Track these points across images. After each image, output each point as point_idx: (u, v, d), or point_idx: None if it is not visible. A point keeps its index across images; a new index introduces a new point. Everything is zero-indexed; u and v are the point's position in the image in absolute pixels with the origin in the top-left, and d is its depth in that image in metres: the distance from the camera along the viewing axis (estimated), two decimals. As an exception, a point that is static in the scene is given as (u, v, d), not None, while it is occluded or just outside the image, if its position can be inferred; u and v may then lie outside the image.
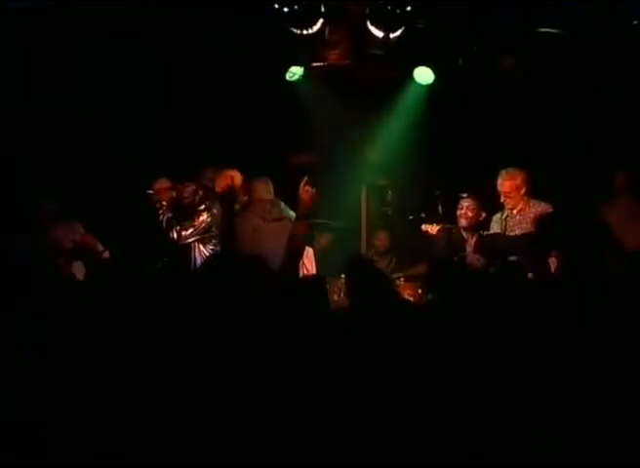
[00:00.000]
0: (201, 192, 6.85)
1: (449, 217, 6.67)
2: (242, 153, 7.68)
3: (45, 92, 7.13)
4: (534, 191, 6.40)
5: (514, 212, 6.35)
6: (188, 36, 7.14)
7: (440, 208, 6.80)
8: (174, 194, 6.85)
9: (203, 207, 6.79)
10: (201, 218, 6.77)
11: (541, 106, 7.51)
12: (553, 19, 6.91)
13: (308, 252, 7.44)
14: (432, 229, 6.51)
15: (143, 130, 7.50)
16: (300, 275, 7.16)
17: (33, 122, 7.24)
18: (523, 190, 6.31)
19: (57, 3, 6.58)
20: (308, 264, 7.27)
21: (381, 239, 8.00)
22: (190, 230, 6.74)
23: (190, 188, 6.83)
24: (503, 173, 6.32)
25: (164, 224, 6.73)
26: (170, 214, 6.76)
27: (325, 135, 8.08)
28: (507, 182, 6.29)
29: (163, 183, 6.88)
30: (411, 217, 6.91)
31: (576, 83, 7.27)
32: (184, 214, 6.81)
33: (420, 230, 6.69)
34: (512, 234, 6.27)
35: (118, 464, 2.95)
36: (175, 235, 6.70)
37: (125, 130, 7.46)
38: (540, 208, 6.24)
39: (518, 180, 6.29)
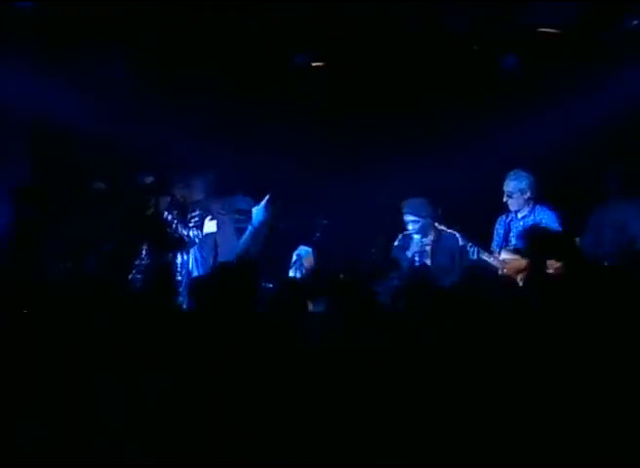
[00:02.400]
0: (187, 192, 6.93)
1: (449, 218, 6.66)
2: (242, 153, 7.69)
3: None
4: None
5: (519, 216, 6.34)
6: (188, 35, 7.14)
7: (440, 208, 6.79)
8: (169, 199, 6.89)
9: (195, 211, 6.87)
10: (196, 219, 6.84)
11: (541, 106, 7.50)
12: (553, 19, 6.90)
13: (308, 252, 7.43)
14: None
15: (141, 128, 7.49)
16: (299, 274, 7.20)
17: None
18: (528, 194, 6.26)
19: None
20: (307, 264, 7.27)
21: (382, 238, 7.98)
22: (194, 231, 6.81)
23: (183, 192, 6.90)
24: (511, 173, 6.30)
25: (175, 226, 6.76)
26: (177, 216, 6.81)
27: (324, 134, 8.06)
28: (512, 182, 6.27)
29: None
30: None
31: (575, 83, 7.26)
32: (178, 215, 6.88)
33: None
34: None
35: (117, 464, 2.95)
36: (191, 234, 6.78)
37: (122, 127, 7.46)
38: (544, 217, 6.22)
39: (523, 183, 6.25)
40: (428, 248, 6.66)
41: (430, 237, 6.66)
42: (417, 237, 6.66)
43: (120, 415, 3.06)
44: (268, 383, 3.14)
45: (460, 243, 6.42)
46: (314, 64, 7.77)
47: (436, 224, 6.59)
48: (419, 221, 6.58)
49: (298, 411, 3.04)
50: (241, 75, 7.63)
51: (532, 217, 6.29)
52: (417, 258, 6.63)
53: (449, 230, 6.49)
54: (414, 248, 6.66)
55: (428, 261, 6.62)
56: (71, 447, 2.97)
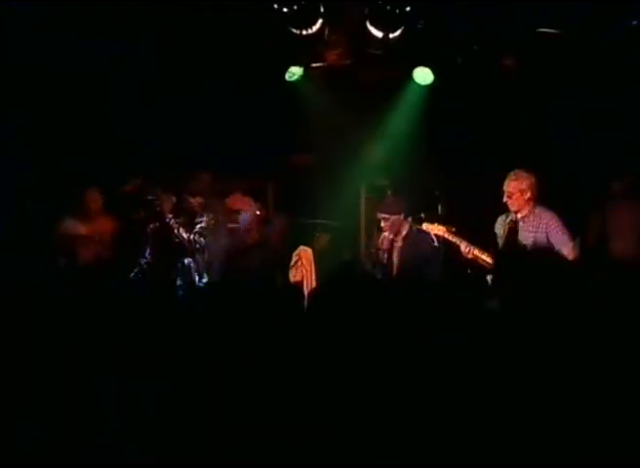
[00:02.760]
0: (203, 201, 6.92)
1: (449, 218, 6.67)
2: (241, 154, 7.70)
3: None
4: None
5: (518, 216, 6.33)
6: (188, 36, 7.14)
7: (440, 208, 6.80)
8: (174, 200, 6.88)
9: (204, 216, 6.85)
10: (203, 225, 6.82)
11: (541, 106, 7.51)
12: (553, 19, 6.90)
13: (307, 252, 7.46)
14: (433, 228, 6.49)
15: (141, 129, 7.51)
16: (299, 275, 7.23)
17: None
18: (528, 195, 6.25)
19: None
20: (307, 265, 7.29)
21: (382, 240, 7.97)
22: (197, 236, 6.78)
23: (201, 201, 6.88)
24: (511, 173, 6.30)
25: (177, 230, 6.74)
26: (179, 220, 6.79)
27: (325, 135, 8.08)
28: (513, 183, 6.26)
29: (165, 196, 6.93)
30: (410, 218, 6.88)
31: (575, 83, 7.27)
32: (186, 220, 6.86)
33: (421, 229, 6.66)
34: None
35: (117, 464, 2.95)
36: (191, 238, 6.74)
37: (122, 128, 7.48)
38: (544, 217, 6.22)
39: (524, 184, 6.24)
40: (398, 245, 6.71)
41: (402, 235, 6.71)
42: (384, 234, 6.72)
43: (120, 415, 3.06)
44: (268, 383, 3.15)
45: (435, 243, 6.49)
46: (314, 65, 7.79)
47: (410, 222, 6.65)
48: (388, 219, 6.65)
49: (298, 411, 3.05)
50: (241, 75, 7.64)
51: (531, 218, 6.29)
52: (384, 255, 6.69)
53: (424, 230, 6.56)
54: (383, 244, 6.73)
55: (396, 259, 6.67)
56: (71, 447, 2.97)
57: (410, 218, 6.74)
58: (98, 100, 7.48)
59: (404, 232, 6.71)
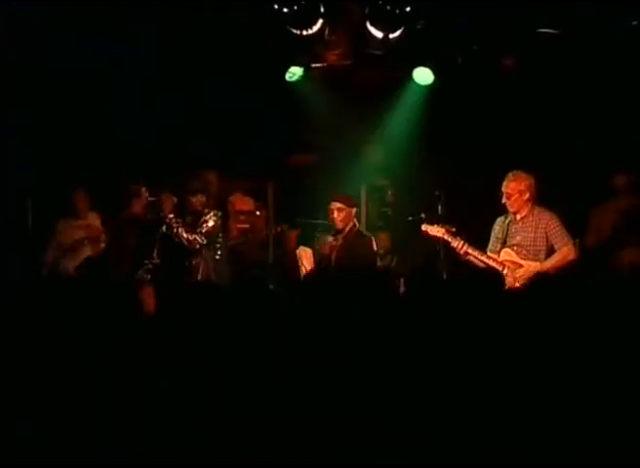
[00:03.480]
0: (205, 199, 6.86)
1: (449, 218, 6.66)
2: (242, 154, 7.70)
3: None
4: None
5: (517, 217, 6.32)
6: (188, 36, 7.14)
7: (440, 208, 6.79)
8: (175, 200, 6.83)
9: (210, 214, 6.78)
10: (210, 224, 6.75)
11: (541, 106, 7.51)
12: (553, 19, 6.91)
13: (307, 252, 7.45)
14: (432, 230, 6.47)
15: (141, 129, 7.51)
16: (300, 275, 7.21)
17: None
18: (527, 195, 6.24)
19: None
20: (307, 265, 7.28)
21: (382, 240, 7.96)
22: (198, 236, 6.71)
23: (202, 199, 6.82)
24: (510, 174, 6.29)
25: (176, 230, 6.67)
26: (180, 220, 6.73)
27: (325, 135, 8.08)
28: (512, 184, 6.25)
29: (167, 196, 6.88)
30: (410, 218, 6.88)
31: (575, 83, 7.27)
32: (191, 220, 6.81)
33: (420, 231, 6.64)
34: (514, 242, 6.27)
35: (117, 464, 2.95)
36: (190, 238, 6.66)
37: (123, 128, 7.48)
38: (543, 218, 6.22)
39: (523, 185, 6.23)
40: (338, 243, 6.60)
41: (344, 233, 6.58)
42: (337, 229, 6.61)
43: (119, 415, 3.06)
44: (269, 383, 3.15)
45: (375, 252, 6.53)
46: (314, 65, 7.79)
47: (355, 223, 6.62)
48: (343, 209, 6.56)
49: (298, 411, 3.05)
50: (241, 75, 7.64)
51: (530, 219, 6.29)
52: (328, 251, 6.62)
53: (367, 235, 6.58)
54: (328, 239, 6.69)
55: (333, 256, 6.59)
56: (71, 447, 2.97)
57: (410, 218, 6.73)
58: (98, 100, 7.47)
59: (347, 230, 6.59)
